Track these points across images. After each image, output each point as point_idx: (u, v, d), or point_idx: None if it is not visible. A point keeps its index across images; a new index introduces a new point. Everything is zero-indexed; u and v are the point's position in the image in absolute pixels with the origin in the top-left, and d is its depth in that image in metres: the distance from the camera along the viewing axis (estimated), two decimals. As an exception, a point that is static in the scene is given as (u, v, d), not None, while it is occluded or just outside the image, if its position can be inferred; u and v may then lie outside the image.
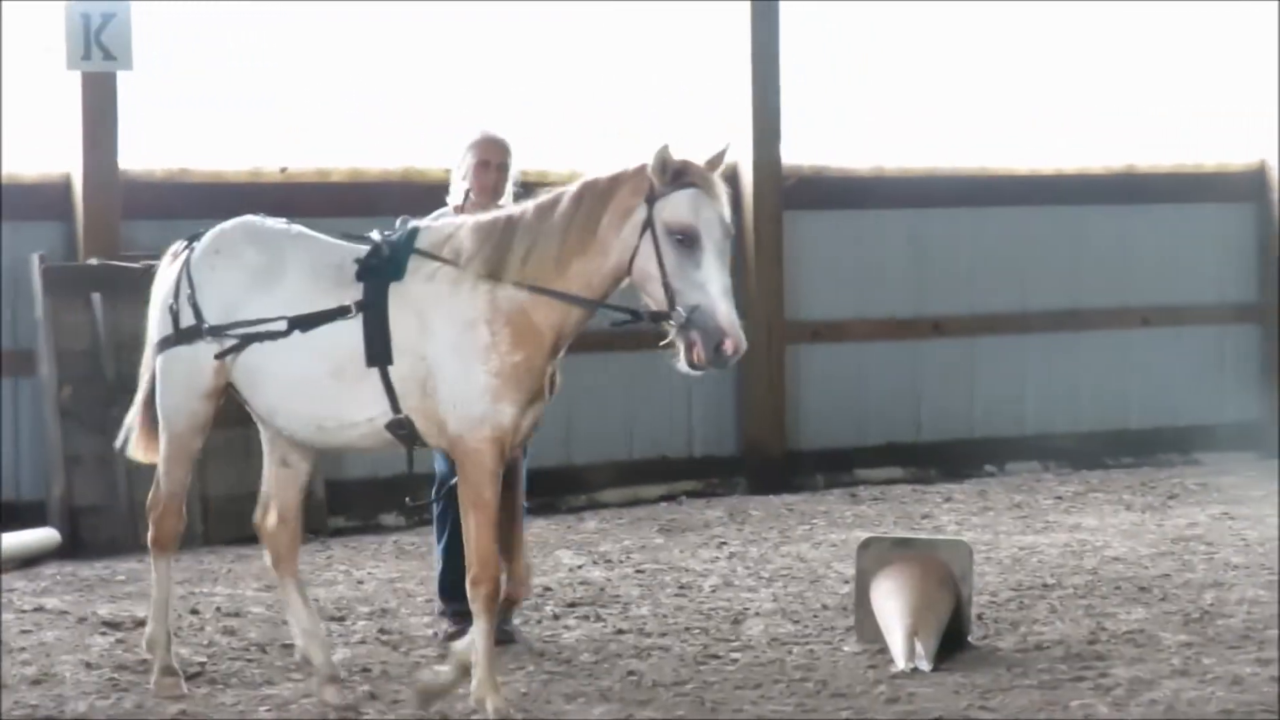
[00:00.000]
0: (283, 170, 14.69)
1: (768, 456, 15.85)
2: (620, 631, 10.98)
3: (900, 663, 9.91)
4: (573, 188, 8.65)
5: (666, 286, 8.33)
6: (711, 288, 8.28)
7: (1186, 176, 17.64)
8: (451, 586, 10.08)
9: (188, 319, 9.08)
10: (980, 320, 16.39)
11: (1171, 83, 17.73)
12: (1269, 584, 11.98)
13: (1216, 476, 16.41)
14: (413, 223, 8.98)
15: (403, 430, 8.73)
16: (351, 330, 8.69)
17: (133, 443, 9.64)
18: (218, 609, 11.52)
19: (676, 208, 8.34)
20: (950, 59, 16.96)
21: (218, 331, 8.95)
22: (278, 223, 9.29)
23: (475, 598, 8.66)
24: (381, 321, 8.65)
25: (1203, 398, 17.49)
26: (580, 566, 12.74)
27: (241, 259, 9.05)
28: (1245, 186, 17.77)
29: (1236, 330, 17.80)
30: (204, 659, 10.32)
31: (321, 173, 14.86)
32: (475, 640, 8.71)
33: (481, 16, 15.28)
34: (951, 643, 10.28)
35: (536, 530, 13.29)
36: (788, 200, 15.95)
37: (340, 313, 8.69)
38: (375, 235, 8.94)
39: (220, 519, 13.57)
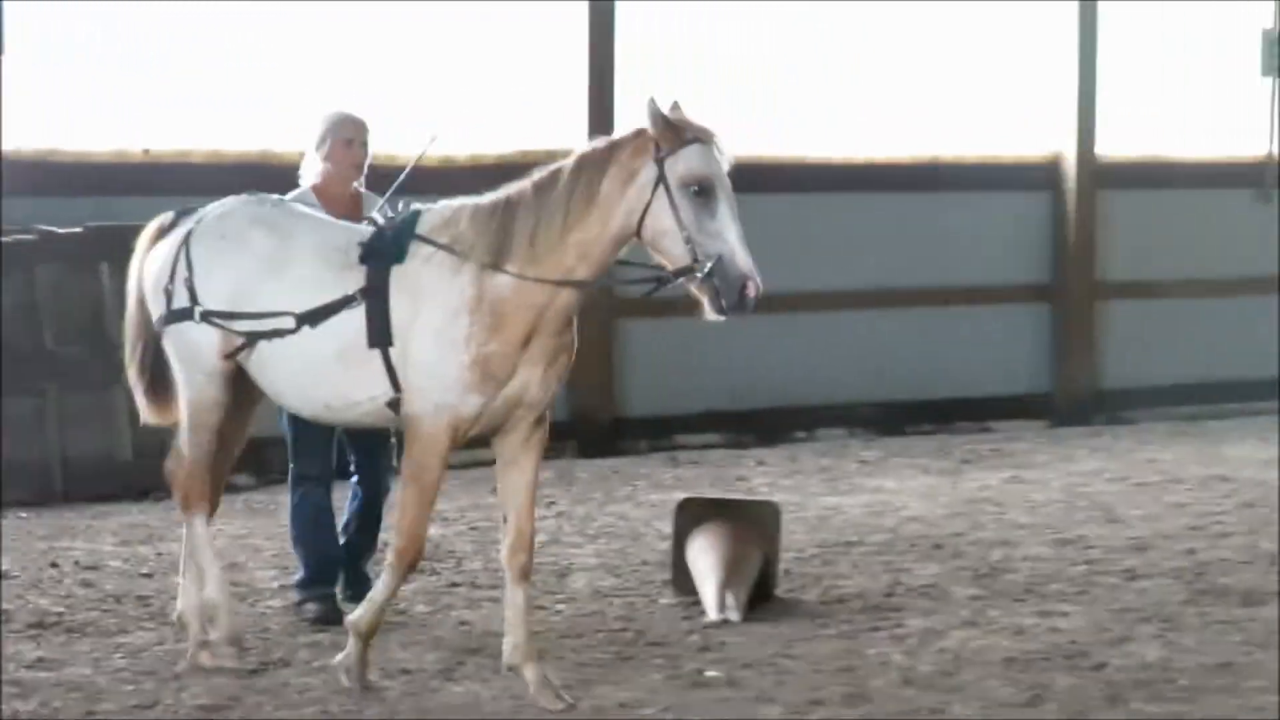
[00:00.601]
0: (145, 151, 14.59)
1: (596, 423, 15.87)
2: (454, 584, 11.02)
3: (712, 614, 10.00)
4: (569, 161, 8.21)
5: (689, 239, 7.98)
6: (729, 235, 8.00)
7: (988, 167, 17.81)
8: (317, 574, 10.10)
9: (181, 300, 8.70)
10: (797, 298, 16.45)
11: (976, 79, 17.89)
12: (1052, 542, 12.16)
13: (1007, 443, 16.59)
14: (414, 206, 8.60)
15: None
16: (356, 314, 8.34)
17: (143, 409, 9.27)
18: (76, 563, 11.42)
19: (690, 161, 7.99)
20: (771, 54, 17.03)
21: (211, 317, 8.59)
22: (276, 201, 9.03)
23: (397, 568, 8.46)
24: (383, 305, 8.29)
25: (997, 371, 17.68)
26: (419, 524, 12.76)
27: (250, 245, 8.64)
28: (1041, 177, 17.95)
29: (1029, 309, 17.98)
30: (62, 609, 10.26)
31: (182, 153, 14.76)
32: (374, 598, 8.54)
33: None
34: (760, 595, 10.38)
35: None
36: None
37: (345, 303, 8.33)
38: (378, 217, 8.64)
39: (79, 478, 13.48)
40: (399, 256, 8.33)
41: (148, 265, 9.00)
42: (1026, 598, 10.64)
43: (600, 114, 15.70)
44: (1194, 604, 10.48)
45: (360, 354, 8.33)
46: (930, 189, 17.57)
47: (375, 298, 8.30)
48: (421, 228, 8.38)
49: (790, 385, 16.77)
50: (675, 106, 8.16)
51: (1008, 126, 18.01)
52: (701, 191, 8.01)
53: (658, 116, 8.03)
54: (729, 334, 16.30)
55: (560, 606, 10.48)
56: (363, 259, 8.39)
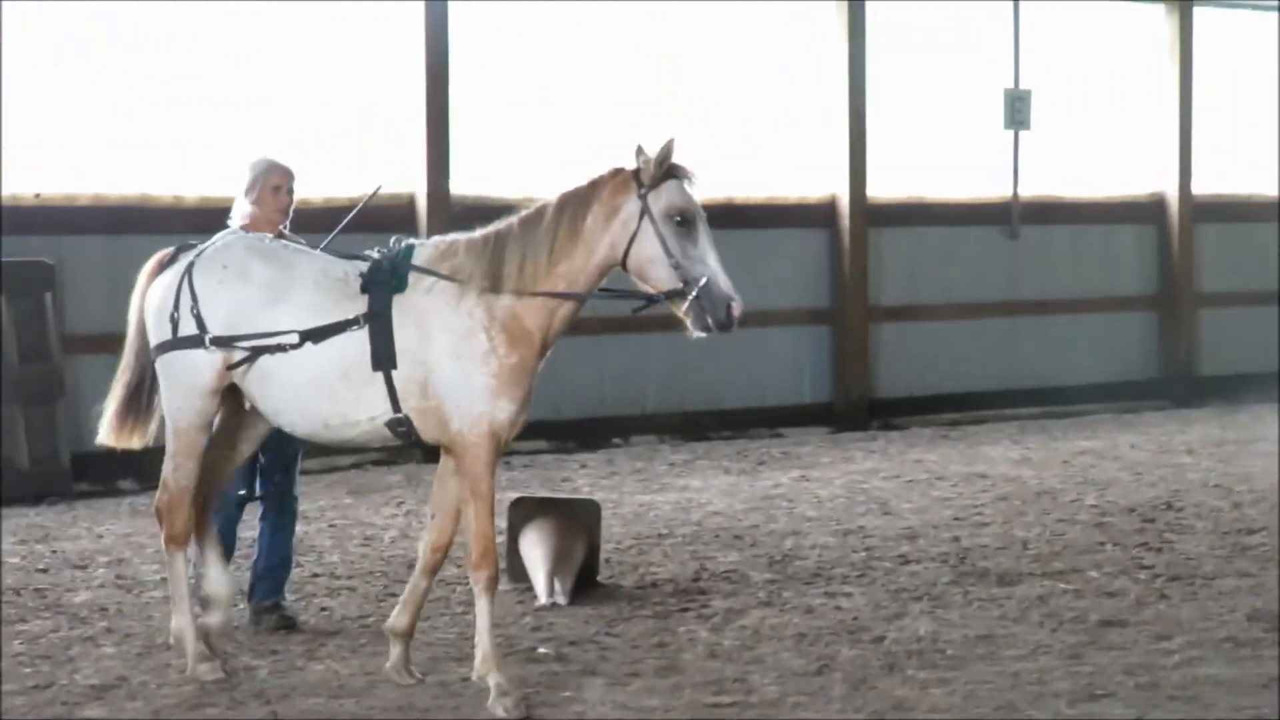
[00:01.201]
0: (36, 195, 14.35)
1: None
2: (315, 575, 10.92)
3: (542, 598, 9.98)
4: (553, 199, 8.04)
5: (676, 265, 7.89)
6: (710, 260, 7.93)
7: (775, 207, 17.90)
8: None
9: (189, 328, 8.21)
10: (609, 321, 16.44)
11: (762, 128, 17.97)
12: (836, 532, 12.23)
13: (795, 447, 16.66)
14: (406, 241, 8.26)
15: (401, 428, 8.07)
16: (359, 338, 8.01)
17: (104, 428, 8.62)
18: (-21, 560, 11.26)
19: (671, 195, 7.92)
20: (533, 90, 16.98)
21: (223, 342, 8.13)
22: (273, 238, 8.74)
23: (478, 580, 8.04)
24: (387, 330, 7.98)
25: (786, 384, 17.80)
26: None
27: (249, 274, 8.21)
28: (820, 216, 18.05)
29: (813, 330, 18.08)
30: (-34, 602, 10.10)
31: (69, 197, 14.53)
32: (478, 620, 8.05)
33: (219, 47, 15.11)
34: (584, 582, 10.38)
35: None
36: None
37: (350, 324, 7.99)
38: (373, 253, 8.23)
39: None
40: (399, 286, 8.07)
41: (150, 296, 8.48)
42: (815, 580, 10.69)
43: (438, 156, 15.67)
44: (958, 584, 10.56)
45: (363, 375, 8.02)
46: (726, 226, 17.56)
47: (379, 323, 8.01)
48: (418, 260, 8.10)
49: (606, 398, 16.79)
50: (669, 144, 8.01)
51: (790, 171, 18.10)
52: (684, 221, 7.95)
53: (662, 151, 7.96)
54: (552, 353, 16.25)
55: (409, 594, 10.39)
56: (364, 288, 8.09)
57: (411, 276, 8.07)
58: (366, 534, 12.28)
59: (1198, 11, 20.10)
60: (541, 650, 9.04)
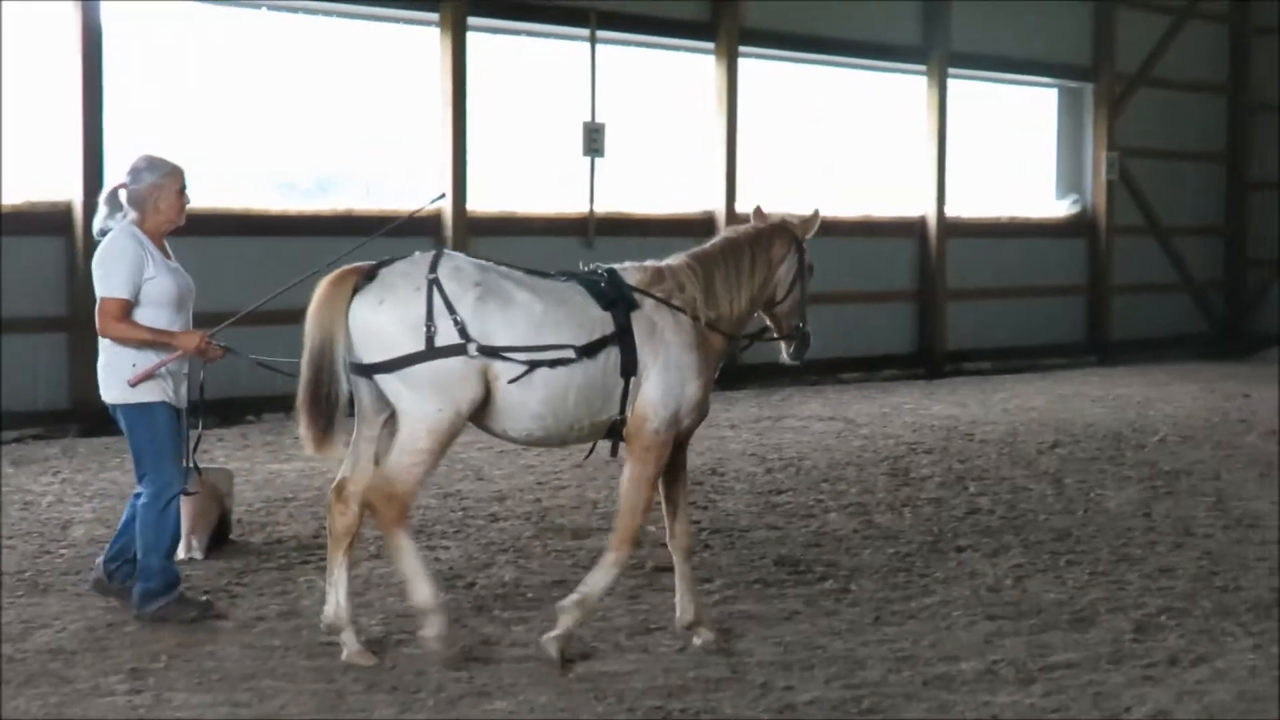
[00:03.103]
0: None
1: (96, 408, 15.22)
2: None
3: (182, 554, 9.81)
4: (741, 236, 8.35)
5: (806, 308, 8.51)
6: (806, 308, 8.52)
7: (387, 217, 17.76)
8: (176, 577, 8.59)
9: (448, 338, 7.49)
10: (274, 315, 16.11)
11: (379, 146, 17.93)
12: (437, 495, 12.22)
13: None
14: (604, 267, 8.03)
15: (618, 426, 7.84)
16: (613, 350, 7.77)
17: (312, 442, 7.83)
18: None
19: (809, 253, 8.44)
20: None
21: (492, 352, 7.53)
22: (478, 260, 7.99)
23: (619, 563, 7.90)
24: (633, 343, 7.78)
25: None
26: (-51, 490, 12.21)
27: (504, 292, 7.67)
28: (428, 226, 18.01)
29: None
30: None
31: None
32: (598, 579, 7.88)
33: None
34: (218, 539, 10.24)
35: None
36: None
37: (611, 339, 7.74)
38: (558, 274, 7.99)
39: None
40: (633, 304, 7.90)
41: (385, 310, 7.59)
42: (418, 536, 10.56)
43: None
44: (539, 539, 10.70)
45: (613, 382, 7.79)
46: (343, 234, 17.41)
47: (626, 336, 7.82)
48: (631, 283, 7.98)
49: (240, 380, 16.47)
50: (817, 212, 8.53)
51: (404, 186, 18.04)
52: (811, 273, 8.51)
53: (814, 217, 8.49)
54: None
55: (64, 551, 10.13)
56: (606, 306, 7.85)
57: (637, 295, 7.97)
58: (25, 500, 11.89)
59: (742, 64, 20.66)
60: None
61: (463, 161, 18.05)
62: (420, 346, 7.51)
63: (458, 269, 7.67)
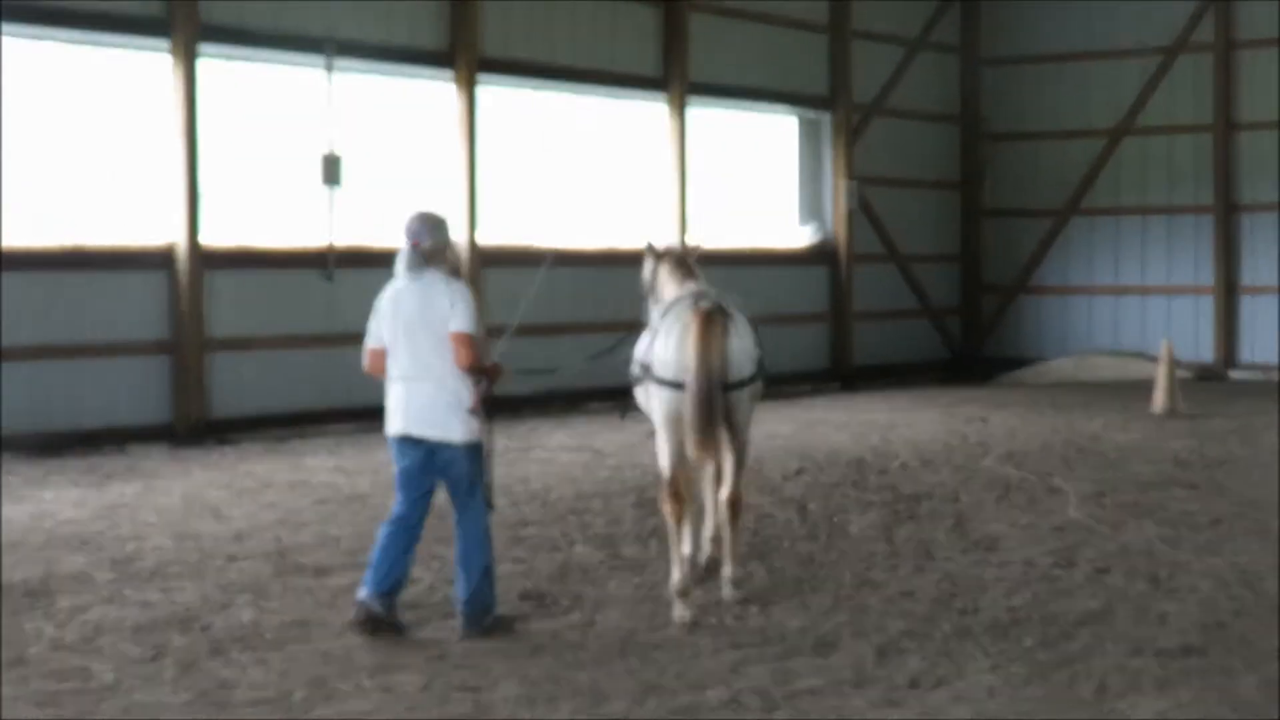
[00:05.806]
0: None
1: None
2: None
3: None
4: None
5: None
6: None
7: (118, 253, 17.46)
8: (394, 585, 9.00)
9: (761, 364, 9.84)
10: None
11: (104, 177, 17.54)
12: (174, 535, 11.99)
13: (141, 462, 16.29)
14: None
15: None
16: None
17: (697, 448, 9.30)
18: None
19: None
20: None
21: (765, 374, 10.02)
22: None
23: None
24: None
25: (134, 406, 17.44)
26: None
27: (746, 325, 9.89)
28: (158, 260, 17.72)
29: (156, 359, 17.73)
30: None
31: None
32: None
33: None
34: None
35: None
36: None
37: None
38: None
39: None
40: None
41: (737, 341, 9.56)
42: (153, 578, 10.45)
43: None
44: (279, 577, 10.53)
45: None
46: (71, 269, 17.09)
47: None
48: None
49: None
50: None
51: (132, 219, 17.71)
52: None
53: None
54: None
55: None
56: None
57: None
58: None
59: (485, 92, 20.68)
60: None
61: (195, 193, 17.77)
62: (757, 370, 9.76)
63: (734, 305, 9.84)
